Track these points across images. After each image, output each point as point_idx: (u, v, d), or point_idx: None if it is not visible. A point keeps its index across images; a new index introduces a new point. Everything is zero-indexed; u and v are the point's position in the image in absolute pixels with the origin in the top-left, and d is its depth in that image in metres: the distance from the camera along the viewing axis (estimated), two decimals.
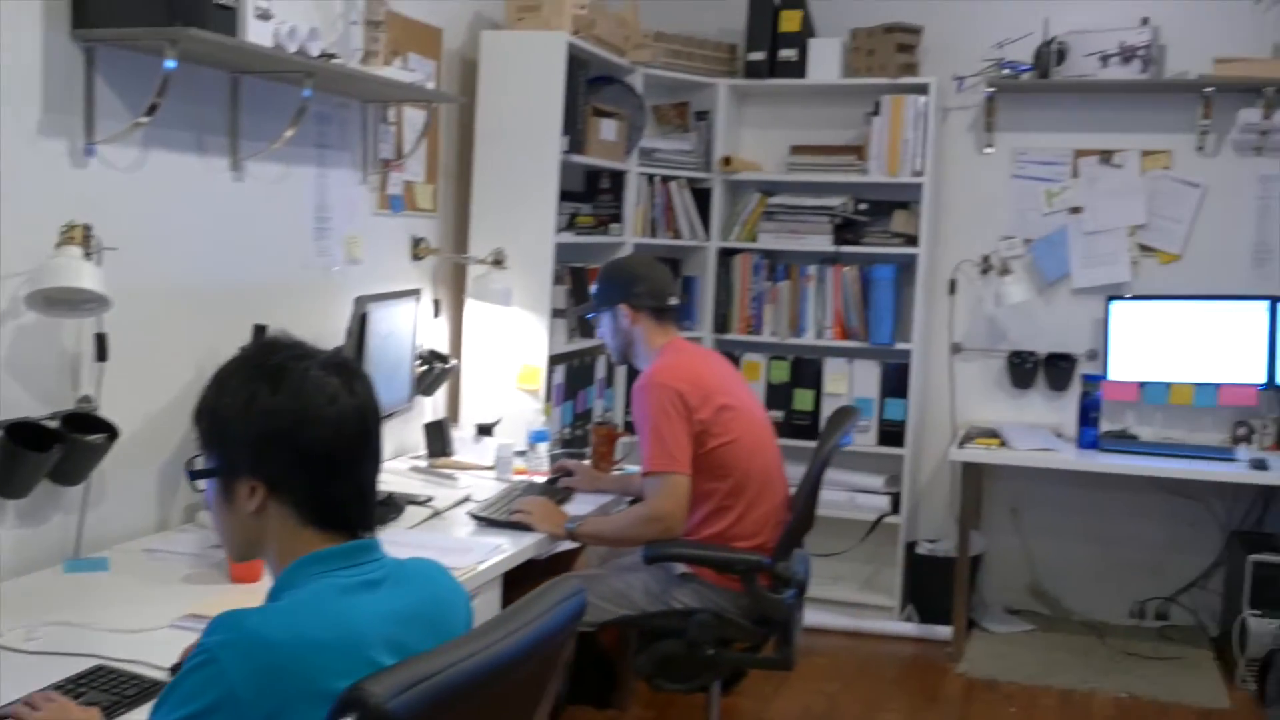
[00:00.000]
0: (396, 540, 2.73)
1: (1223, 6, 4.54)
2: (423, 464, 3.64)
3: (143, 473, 2.78)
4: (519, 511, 3.02)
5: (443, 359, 3.82)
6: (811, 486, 3.10)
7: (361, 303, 3.07)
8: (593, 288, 3.34)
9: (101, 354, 2.56)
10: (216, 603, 1.95)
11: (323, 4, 3.29)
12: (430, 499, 3.20)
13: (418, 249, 3.90)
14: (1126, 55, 4.59)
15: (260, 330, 2.96)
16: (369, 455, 1.56)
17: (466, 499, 3.26)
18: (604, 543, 3.21)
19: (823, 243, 4.87)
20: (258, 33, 2.68)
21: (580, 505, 3.31)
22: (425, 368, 3.72)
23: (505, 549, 2.79)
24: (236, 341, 1.75)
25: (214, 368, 1.59)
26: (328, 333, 3.26)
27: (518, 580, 2.72)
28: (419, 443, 3.78)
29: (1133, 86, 4.62)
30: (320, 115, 3.35)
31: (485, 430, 3.86)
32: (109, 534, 2.65)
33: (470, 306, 4.09)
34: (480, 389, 4.08)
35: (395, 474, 3.52)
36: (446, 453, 3.72)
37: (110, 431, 2.50)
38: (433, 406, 3.96)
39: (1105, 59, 4.61)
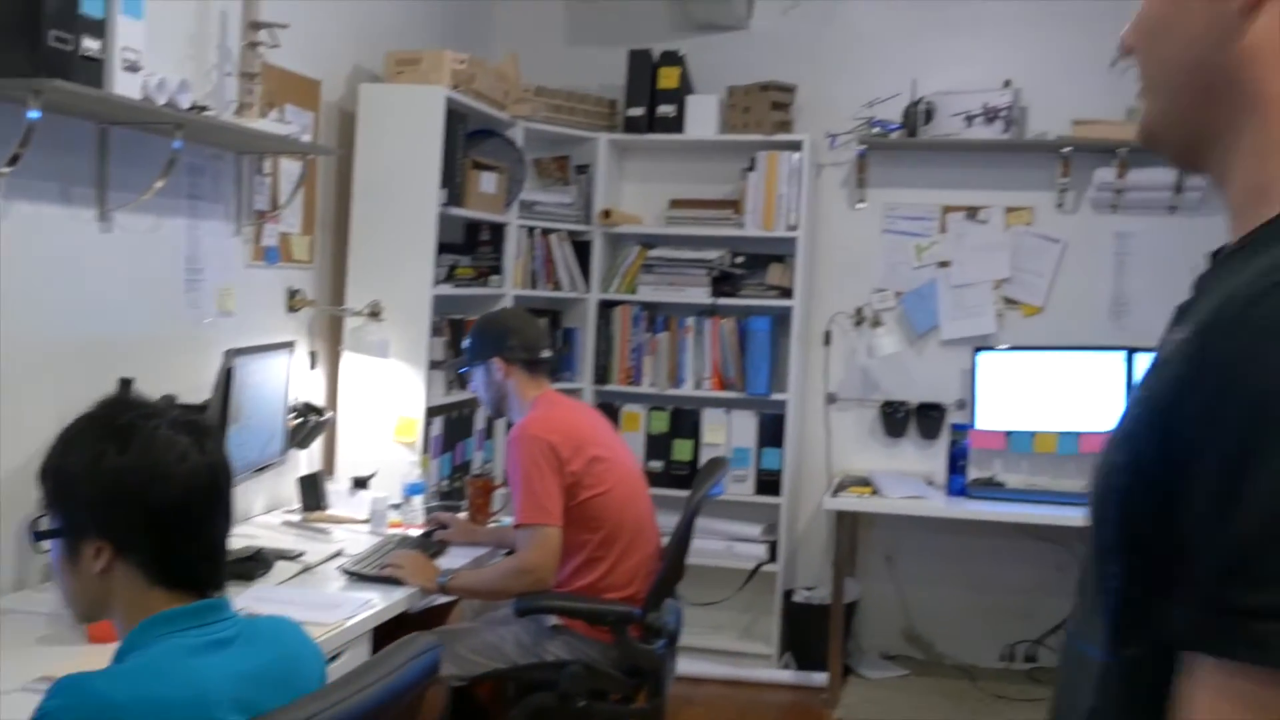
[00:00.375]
0: (264, 596, 2.71)
1: (1080, 71, 4.73)
2: (296, 518, 3.60)
3: None
4: (390, 566, 3.01)
5: (318, 411, 3.79)
6: (682, 537, 3.14)
7: (229, 356, 3.04)
8: (465, 342, 3.36)
9: None
10: (72, 664, 1.90)
11: (197, 55, 3.29)
12: (302, 554, 3.16)
13: (293, 301, 3.87)
14: (990, 116, 4.77)
15: (126, 384, 2.91)
16: (220, 514, 1.56)
17: (339, 553, 3.23)
18: (475, 596, 3.22)
19: (701, 295, 4.95)
20: (125, 85, 2.65)
21: (455, 558, 3.31)
22: (300, 420, 3.68)
23: (375, 604, 2.78)
24: (101, 396, 1.73)
25: None
26: (198, 386, 3.22)
27: (391, 635, 2.68)
28: (293, 496, 3.74)
29: (996, 146, 4.80)
30: (193, 166, 3.32)
31: (361, 483, 3.83)
32: None
33: (347, 358, 4.06)
34: (357, 441, 4.05)
35: (267, 528, 3.48)
36: (321, 506, 3.69)
37: None
38: (308, 459, 3.93)
39: (970, 119, 4.78)
